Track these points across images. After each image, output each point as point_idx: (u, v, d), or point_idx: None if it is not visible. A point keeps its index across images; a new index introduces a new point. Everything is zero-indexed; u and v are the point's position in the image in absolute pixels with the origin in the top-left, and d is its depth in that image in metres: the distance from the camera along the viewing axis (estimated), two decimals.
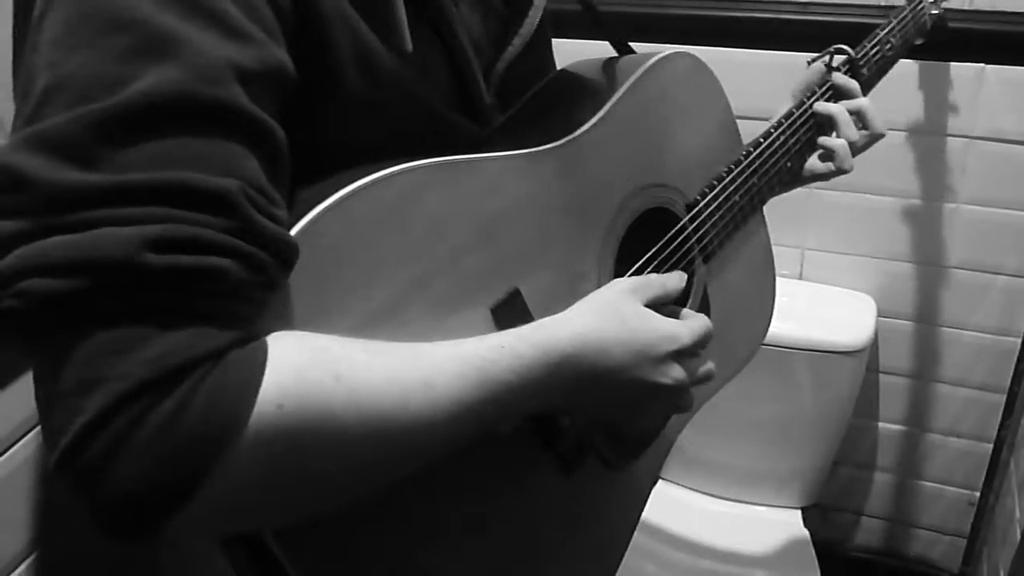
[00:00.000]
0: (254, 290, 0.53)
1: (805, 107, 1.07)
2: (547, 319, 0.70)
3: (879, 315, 1.74)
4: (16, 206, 0.49)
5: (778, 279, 1.11)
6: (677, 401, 0.78)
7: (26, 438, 1.03)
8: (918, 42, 1.32)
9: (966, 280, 1.71)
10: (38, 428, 1.02)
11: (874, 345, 1.76)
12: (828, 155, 1.07)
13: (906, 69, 1.56)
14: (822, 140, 1.08)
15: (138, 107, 0.50)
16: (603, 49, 1.00)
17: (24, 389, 1.01)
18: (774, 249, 1.09)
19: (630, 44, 1.00)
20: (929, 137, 1.62)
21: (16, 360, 0.99)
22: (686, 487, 1.90)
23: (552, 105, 0.86)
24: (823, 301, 1.75)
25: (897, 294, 1.77)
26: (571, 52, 0.97)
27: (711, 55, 1.61)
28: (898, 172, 1.66)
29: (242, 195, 0.52)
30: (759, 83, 1.55)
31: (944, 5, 1.38)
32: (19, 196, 0.49)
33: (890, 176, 1.67)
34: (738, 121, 1.03)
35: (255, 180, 0.54)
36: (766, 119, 1.10)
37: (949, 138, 1.61)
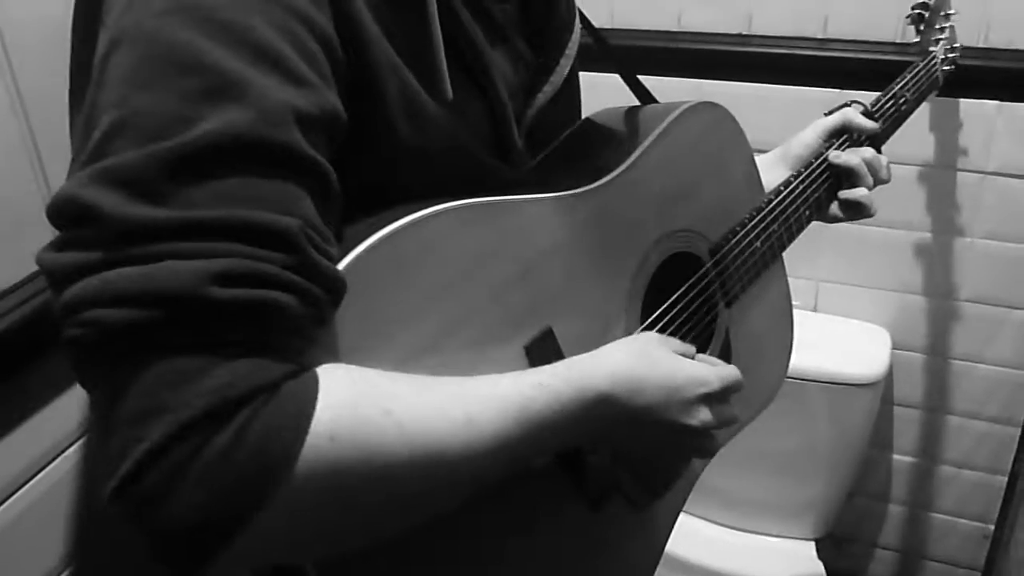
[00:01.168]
0: (307, 324, 0.55)
1: (823, 157, 1.09)
2: (582, 356, 0.72)
3: (893, 347, 1.75)
4: (85, 238, 0.51)
5: (793, 311, 1.13)
6: (703, 444, 0.80)
7: (60, 458, 1.04)
8: (932, 95, 1.35)
9: (980, 314, 1.73)
10: (73, 447, 1.04)
11: (889, 377, 1.77)
12: (851, 205, 1.10)
13: (930, 107, 1.59)
14: (844, 194, 1.10)
15: (205, 147, 0.52)
16: (614, 81, 1.02)
17: (56, 413, 1.04)
18: (790, 281, 1.11)
19: (640, 79, 1.02)
20: (944, 172, 1.64)
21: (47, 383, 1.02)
22: (700, 517, 1.91)
23: (581, 152, 0.89)
24: (838, 333, 1.77)
25: (912, 327, 1.78)
26: (583, 84, 0.98)
27: (728, 89, 1.67)
28: (913, 206, 1.68)
29: (301, 234, 0.54)
30: (776, 118, 1.58)
31: (956, 53, 1.41)
32: (88, 229, 0.51)
33: (905, 210, 1.69)
34: (757, 155, 1.05)
35: (312, 219, 0.56)
36: None
37: (963, 173, 1.63)
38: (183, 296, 0.50)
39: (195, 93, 0.53)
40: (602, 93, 1.00)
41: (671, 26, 1.72)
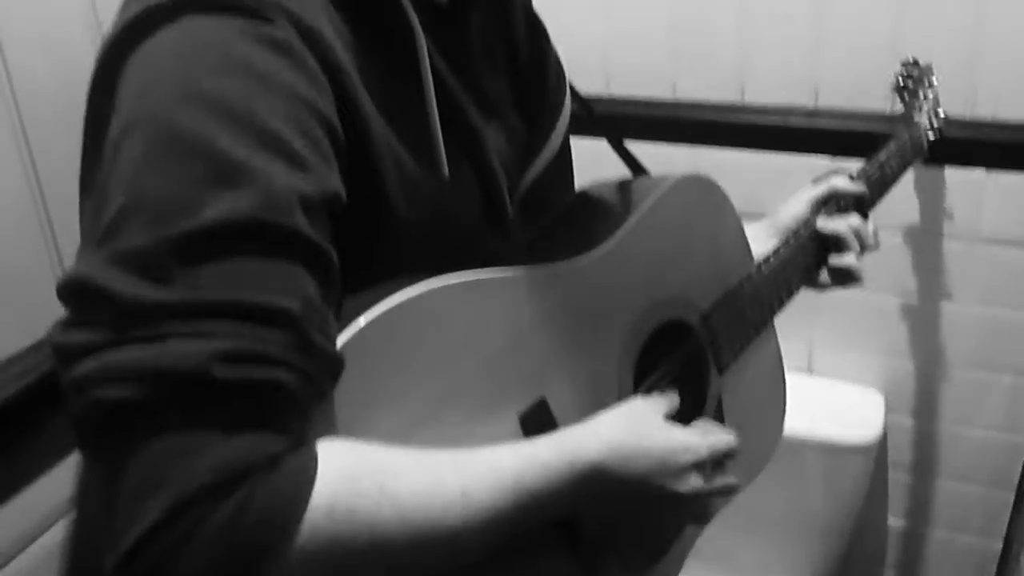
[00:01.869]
0: (307, 401, 0.57)
1: (811, 225, 1.12)
2: (575, 428, 0.74)
3: (887, 410, 1.77)
4: (94, 318, 0.54)
5: (787, 373, 1.15)
6: (695, 511, 0.82)
7: (56, 526, 1.05)
8: (917, 162, 1.38)
9: (972, 378, 1.74)
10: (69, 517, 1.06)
11: (883, 441, 1.79)
12: (840, 272, 1.12)
13: (916, 174, 1.62)
14: (833, 261, 1.13)
15: (211, 231, 0.54)
16: (601, 147, 1.05)
17: (54, 481, 1.05)
18: (783, 343, 1.13)
19: (627, 147, 1.05)
20: (934, 238, 1.67)
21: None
22: None
23: (574, 223, 0.91)
24: (832, 396, 1.79)
25: (905, 390, 1.80)
26: (575, 149, 1.01)
27: (722, 156, 1.71)
28: (905, 271, 1.71)
29: (303, 315, 0.56)
30: (768, 184, 1.61)
31: (943, 117, 1.45)
32: (97, 308, 0.54)
33: (897, 275, 1.71)
34: (746, 220, 1.07)
35: (313, 300, 0.58)
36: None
37: (953, 240, 1.66)
38: (187, 375, 0.52)
39: (202, 178, 0.55)
40: (592, 159, 1.03)
41: (666, 95, 1.76)
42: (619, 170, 1.03)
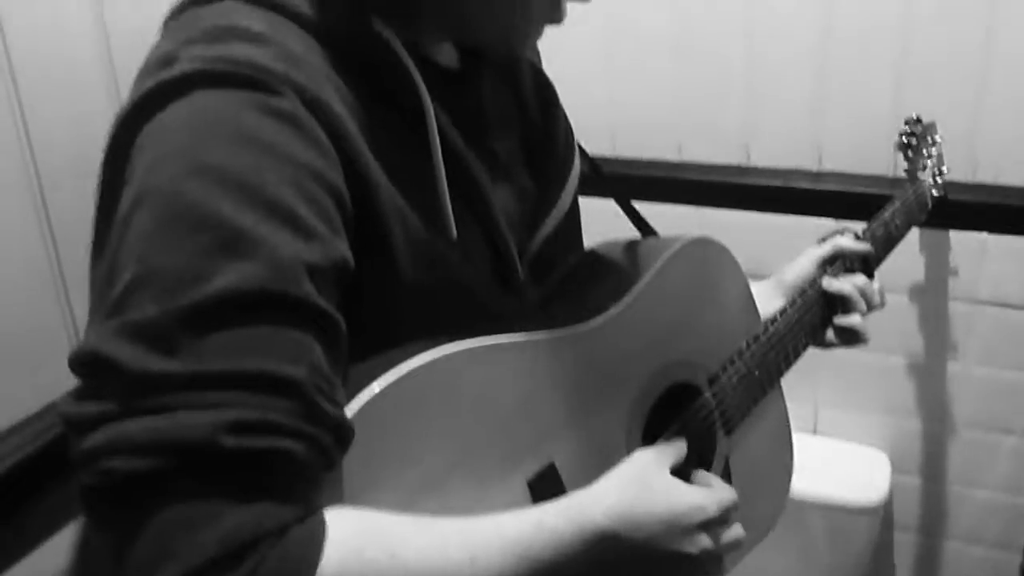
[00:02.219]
0: (315, 470, 0.58)
1: (817, 284, 1.13)
2: (581, 493, 0.74)
3: (893, 471, 1.77)
4: (104, 390, 0.54)
5: (792, 436, 1.15)
6: (705, 570, 0.81)
7: None
8: (922, 220, 1.40)
9: (977, 438, 1.75)
10: None
11: (888, 502, 1.78)
12: (845, 331, 1.13)
13: (916, 235, 1.64)
14: (838, 321, 1.14)
15: (219, 301, 0.55)
16: (609, 207, 1.06)
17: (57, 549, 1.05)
18: (789, 404, 1.13)
19: (635, 207, 1.06)
20: (938, 299, 1.69)
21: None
22: None
23: (583, 285, 0.92)
24: (837, 457, 1.79)
25: (910, 451, 1.80)
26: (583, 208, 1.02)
27: (727, 217, 1.73)
28: (909, 331, 1.72)
29: (310, 383, 0.57)
30: (773, 245, 1.63)
31: (946, 177, 1.47)
32: (107, 381, 0.54)
33: (902, 335, 1.73)
34: (751, 280, 1.08)
35: (320, 367, 0.59)
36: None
37: (956, 301, 1.67)
38: (196, 446, 0.53)
39: (210, 249, 0.56)
40: (599, 218, 1.05)
41: (672, 156, 1.79)
42: (626, 229, 1.05)
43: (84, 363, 0.56)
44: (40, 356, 1.05)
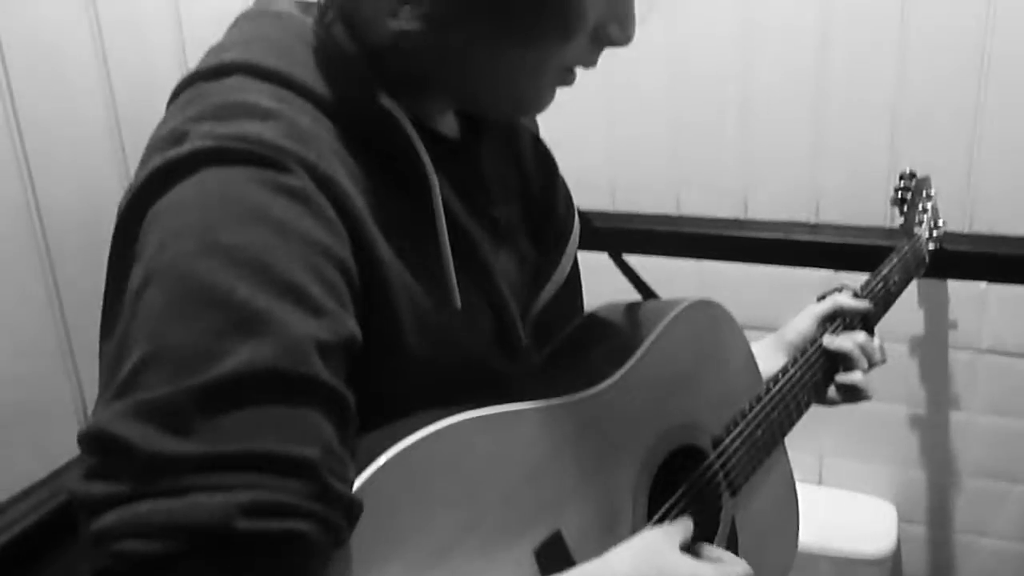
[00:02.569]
0: (327, 547, 0.58)
1: (817, 343, 1.14)
2: (589, 565, 0.74)
3: (900, 521, 1.76)
4: (115, 470, 0.54)
5: (797, 484, 1.15)
6: None
7: None
8: (920, 274, 1.41)
9: (983, 488, 1.75)
10: None
11: (896, 553, 1.77)
12: (848, 389, 1.14)
13: (919, 286, 1.66)
14: (840, 378, 1.14)
15: (231, 381, 0.55)
16: (602, 260, 1.06)
17: None
18: (793, 455, 1.13)
19: (630, 265, 1.06)
20: (940, 349, 1.69)
21: None
22: None
23: (585, 349, 0.93)
24: (844, 508, 1.78)
25: (917, 501, 1.80)
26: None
27: (725, 270, 1.74)
28: (913, 382, 1.73)
29: (322, 463, 0.57)
30: (771, 298, 1.64)
31: (943, 229, 1.48)
32: (119, 461, 0.54)
33: (906, 386, 1.73)
34: (749, 332, 1.09)
35: (331, 445, 0.59)
36: (776, 330, 1.18)
37: (958, 350, 1.68)
38: (209, 529, 0.53)
39: (222, 329, 0.56)
40: (596, 273, 1.05)
41: (670, 210, 1.81)
42: (618, 281, 1.06)
43: (95, 442, 0.55)
44: (48, 426, 1.05)
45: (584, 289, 1.03)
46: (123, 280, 0.62)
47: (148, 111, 0.73)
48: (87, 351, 1.08)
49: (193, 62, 0.73)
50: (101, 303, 0.69)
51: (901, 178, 1.49)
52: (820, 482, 1.85)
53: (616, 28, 0.76)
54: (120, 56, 1.13)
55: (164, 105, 0.73)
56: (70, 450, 0.58)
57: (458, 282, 0.75)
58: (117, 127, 1.13)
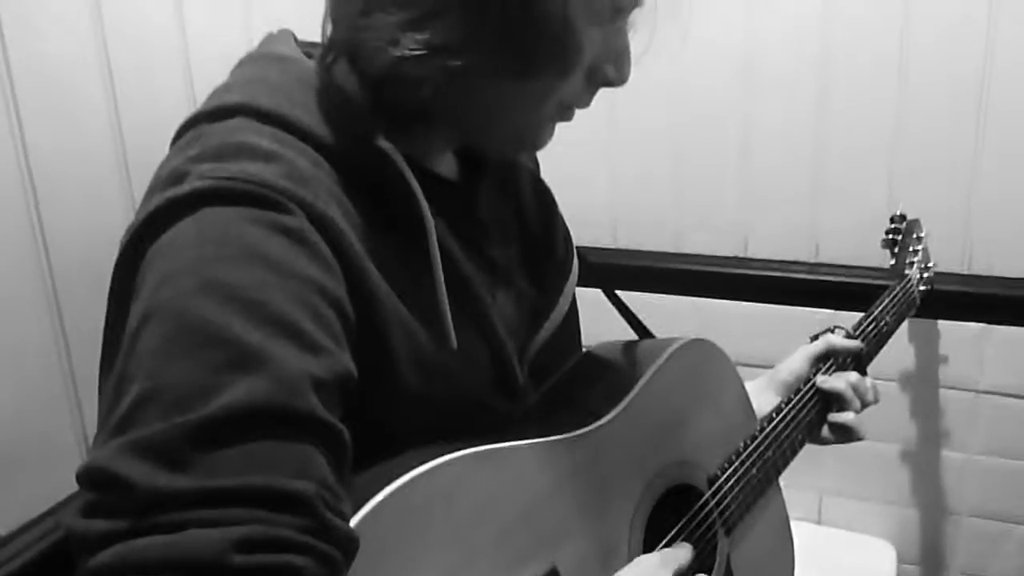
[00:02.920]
0: None
1: (811, 383, 1.15)
2: None
3: (899, 561, 1.76)
4: (113, 506, 0.54)
5: (796, 523, 1.15)
6: None
7: None
8: (911, 314, 1.42)
9: (983, 528, 1.75)
10: None
11: None
12: (840, 429, 1.15)
13: (919, 327, 1.68)
14: (833, 418, 1.15)
15: (228, 416, 0.56)
16: (595, 296, 1.08)
17: None
18: (792, 493, 1.14)
19: (619, 295, 1.08)
20: (939, 390, 1.70)
21: None
22: None
23: (581, 389, 0.94)
24: (843, 547, 1.78)
25: (916, 541, 1.80)
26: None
27: (725, 308, 1.75)
28: (914, 422, 1.74)
29: (317, 497, 0.57)
30: (769, 336, 1.65)
31: (934, 271, 1.50)
32: (116, 498, 0.54)
33: (906, 425, 1.74)
34: (747, 369, 1.10)
35: (326, 480, 0.59)
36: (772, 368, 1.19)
37: (958, 392, 1.69)
38: (205, 564, 0.53)
39: (219, 365, 0.57)
40: (591, 308, 1.07)
41: (671, 248, 1.82)
42: (614, 316, 1.07)
43: (93, 479, 0.56)
44: (51, 460, 1.06)
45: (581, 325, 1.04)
46: (123, 317, 0.63)
47: (156, 151, 0.74)
48: (90, 386, 1.08)
49: (201, 103, 0.74)
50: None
51: (892, 220, 1.51)
52: (820, 521, 1.85)
53: (611, 69, 0.78)
54: (129, 94, 1.15)
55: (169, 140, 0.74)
56: (72, 484, 0.58)
57: (455, 322, 0.76)
58: (125, 166, 1.15)
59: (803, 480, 1.80)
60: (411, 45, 0.69)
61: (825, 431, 1.17)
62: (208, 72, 1.25)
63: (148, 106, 1.17)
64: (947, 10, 1.53)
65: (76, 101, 1.10)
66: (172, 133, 0.74)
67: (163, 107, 1.19)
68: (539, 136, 0.81)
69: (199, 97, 0.76)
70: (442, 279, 0.75)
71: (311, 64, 0.77)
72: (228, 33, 1.29)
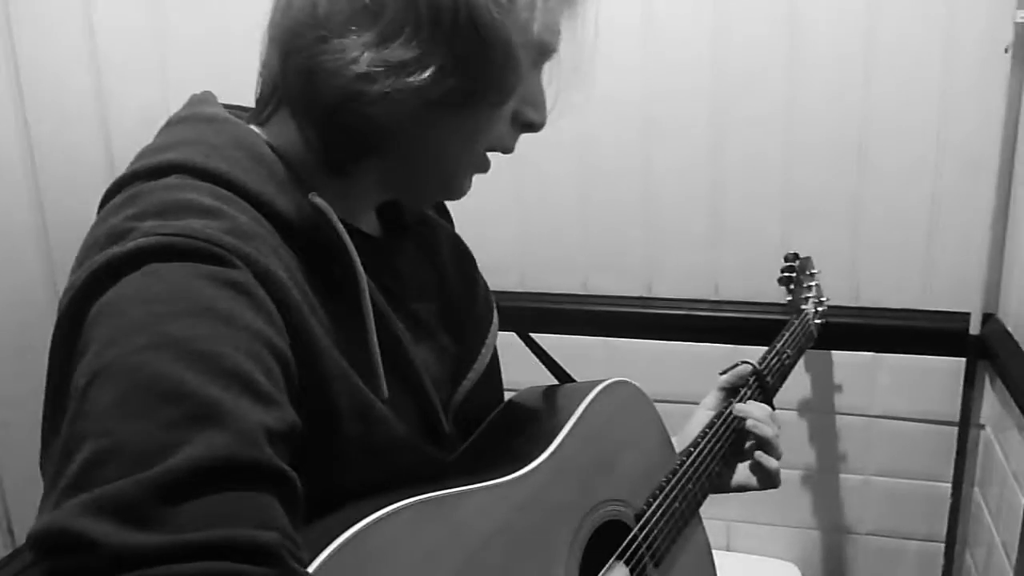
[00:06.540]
0: None
1: (725, 416, 1.21)
2: None
3: None
4: (79, 568, 0.53)
5: (714, 557, 1.21)
6: None
7: None
8: (809, 347, 1.51)
9: (882, 546, 1.84)
10: None
11: None
12: (766, 473, 1.21)
13: (815, 358, 1.77)
14: (762, 460, 1.21)
15: (189, 470, 0.56)
16: (510, 339, 1.12)
17: None
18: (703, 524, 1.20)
19: (534, 338, 1.12)
20: (834, 416, 1.80)
21: None
22: None
23: (508, 436, 0.97)
24: (751, 570, 1.85)
25: (818, 562, 1.88)
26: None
27: (632, 346, 1.82)
28: (813, 447, 1.82)
29: (282, 546, 0.58)
30: (675, 372, 1.73)
31: (827, 305, 1.59)
32: (82, 558, 0.53)
33: (806, 451, 1.83)
34: (658, 404, 1.15)
35: (286, 529, 0.60)
36: (682, 402, 1.24)
37: (852, 417, 1.79)
38: None
39: (177, 420, 0.56)
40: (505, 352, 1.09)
41: (578, 289, 1.88)
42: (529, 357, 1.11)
43: (52, 542, 0.54)
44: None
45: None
46: (66, 378, 0.63)
47: (76, 214, 0.74)
48: (11, 453, 1.08)
49: (120, 164, 0.73)
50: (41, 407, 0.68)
51: (786, 259, 1.60)
52: (728, 547, 1.92)
53: (531, 111, 0.83)
54: (47, 154, 1.15)
55: (91, 208, 0.73)
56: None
57: (384, 373, 0.78)
58: (44, 230, 1.14)
59: (711, 511, 1.86)
60: (370, 62, 0.71)
61: (745, 477, 1.23)
62: (125, 132, 1.25)
63: (66, 167, 1.17)
64: (827, 76, 1.65)
65: None
66: (89, 203, 0.74)
67: (80, 167, 1.19)
68: (463, 182, 0.85)
69: (117, 156, 0.76)
70: (374, 331, 0.78)
71: (243, 124, 0.79)
72: (145, 91, 1.30)
